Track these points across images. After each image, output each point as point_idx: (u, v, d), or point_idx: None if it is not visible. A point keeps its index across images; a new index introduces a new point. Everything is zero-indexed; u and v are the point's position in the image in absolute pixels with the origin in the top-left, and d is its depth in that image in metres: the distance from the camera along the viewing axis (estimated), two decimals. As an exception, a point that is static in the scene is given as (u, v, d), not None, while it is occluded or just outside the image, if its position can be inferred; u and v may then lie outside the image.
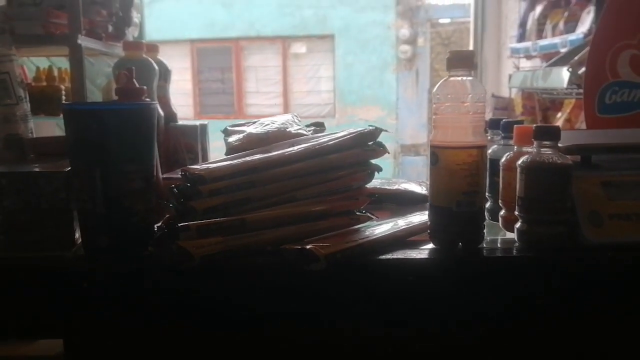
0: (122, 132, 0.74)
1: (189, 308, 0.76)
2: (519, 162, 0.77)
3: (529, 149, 0.79)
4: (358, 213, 0.85)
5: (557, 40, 2.72)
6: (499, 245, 0.81)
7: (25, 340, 1.01)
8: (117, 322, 0.77)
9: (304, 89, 7.46)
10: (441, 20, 7.57)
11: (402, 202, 1.03)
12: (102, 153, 0.74)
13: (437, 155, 0.75)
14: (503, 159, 0.84)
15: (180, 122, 1.20)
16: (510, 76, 3.25)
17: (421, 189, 1.08)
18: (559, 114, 2.71)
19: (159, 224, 0.82)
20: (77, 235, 0.80)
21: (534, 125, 0.79)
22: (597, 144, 0.86)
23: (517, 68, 3.46)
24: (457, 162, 0.74)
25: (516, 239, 0.79)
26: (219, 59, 7.42)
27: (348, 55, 7.21)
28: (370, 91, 7.22)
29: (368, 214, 0.86)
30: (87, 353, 0.80)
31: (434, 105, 0.76)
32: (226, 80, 7.47)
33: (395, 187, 1.07)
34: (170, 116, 1.18)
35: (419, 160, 6.92)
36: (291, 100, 7.35)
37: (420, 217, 0.87)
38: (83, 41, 1.90)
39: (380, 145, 0.86)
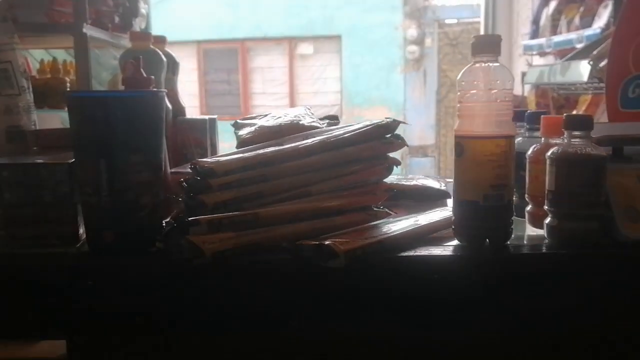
0: (128, 121, 0.70)
1: (197, 307, 0.72)
2: (549, 153, 0.73)
3: (558, 140, 0.75)
4: (375, 209, 0.81)
5: (573, 35, 2.66)
6: (527, 242, 0.77)
7: (27, 341, 0.98)
8: (123, 322, 0.74)
9: (310, 90, 7.43)
10: (448, 21, 7.52)
11: (420, 199, 0.99)
12: (108, 143, 0.70)
13: (463, 146, 0.71)
14: (530, 151, 0.80)
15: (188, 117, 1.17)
16: (523, 74, 3.20)
17: (439, 185, 1.03)
18: (574, 112, 2.67)
19: (167, 219, 0.78)
20: (82, 230, 0.76)
21: (565, 114, 0.75)
22: (631, 135, 0.82)
23: (530, 65, 3.41)
24: (484, 153, 0.69)
25: (546, 235, 0.75)
26: (225, 60, 7.41)
27: (355, 56, 7.18)
28: (377, 92, 7.19)
29: (386, 210, 0.82)
30: (90, 355, 0.77)
31: (459, 93, 0.72)
32: (232, 81, 7.46)
33: (413, 182, 1.03)
34: (179, 110, 1.14)
35: (427, 161, 6.88)
36: (297, 101, 7.32)
37: (441, 213, 0.83)
38: (88, 30, 1.82)
39: (398, 137, 0.82)
